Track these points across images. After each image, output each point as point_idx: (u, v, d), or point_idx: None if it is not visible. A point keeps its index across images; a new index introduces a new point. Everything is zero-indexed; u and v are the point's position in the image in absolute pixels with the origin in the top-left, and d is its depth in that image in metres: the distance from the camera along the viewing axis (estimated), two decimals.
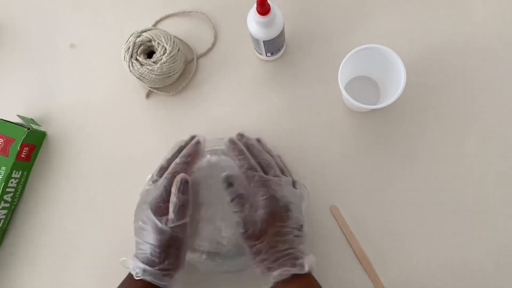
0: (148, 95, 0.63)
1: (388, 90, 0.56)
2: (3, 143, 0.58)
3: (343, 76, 0.53)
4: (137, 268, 0.44)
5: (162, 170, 0.49)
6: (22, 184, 0.61)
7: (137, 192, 0.50)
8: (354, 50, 0.52)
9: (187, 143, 0.52)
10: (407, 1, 0.63)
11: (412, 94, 0.59)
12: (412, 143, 0.59)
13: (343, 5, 0.63)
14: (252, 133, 0.53)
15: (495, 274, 0.54)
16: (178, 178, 0.46)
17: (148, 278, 0.44)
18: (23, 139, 0.58)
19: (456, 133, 0.58)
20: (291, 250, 0.45)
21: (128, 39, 0.59)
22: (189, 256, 0.50)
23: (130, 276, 0.45)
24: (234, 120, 0.61)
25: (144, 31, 0.59)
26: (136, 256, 0.46)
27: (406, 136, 0.59)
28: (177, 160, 0.49)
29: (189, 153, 0.50)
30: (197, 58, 0.64)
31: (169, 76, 0.60)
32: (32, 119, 0.63)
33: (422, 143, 0.58)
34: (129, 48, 0.59)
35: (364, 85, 0.60)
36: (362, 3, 0.63)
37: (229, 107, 0.62)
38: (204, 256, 0.51)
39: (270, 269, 0.45)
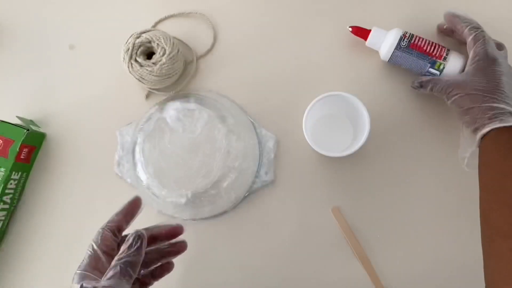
0: (147, 96, 0.63)
1: (360, 127, 0.55)
2: (2, 144, 0.58)
3: (308, 121, 0.54)
4: None
5: None
6: (21, 186, 0.61)
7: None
8: (317, 98, 0.53)
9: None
10: None
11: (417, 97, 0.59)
12: (412, 143, 0.59)
13: None
14: None
15: None
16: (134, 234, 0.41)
17: None
18: (23, 140, 0.58)
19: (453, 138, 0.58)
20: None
21: (127, 40, 0.59)
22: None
23: None
24: None
25: (144, 32, 0.59)
26: None
27: (407, 136, 0.59)
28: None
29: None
30: (197, 59, 0.64)
31: (168, 77, 0.60)
32: (31, 120, 0.62)
33: (422, 143, 0.59)
34: (128, 49, 0.59)
35: (338, 123, 0.60)
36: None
37: None
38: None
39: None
